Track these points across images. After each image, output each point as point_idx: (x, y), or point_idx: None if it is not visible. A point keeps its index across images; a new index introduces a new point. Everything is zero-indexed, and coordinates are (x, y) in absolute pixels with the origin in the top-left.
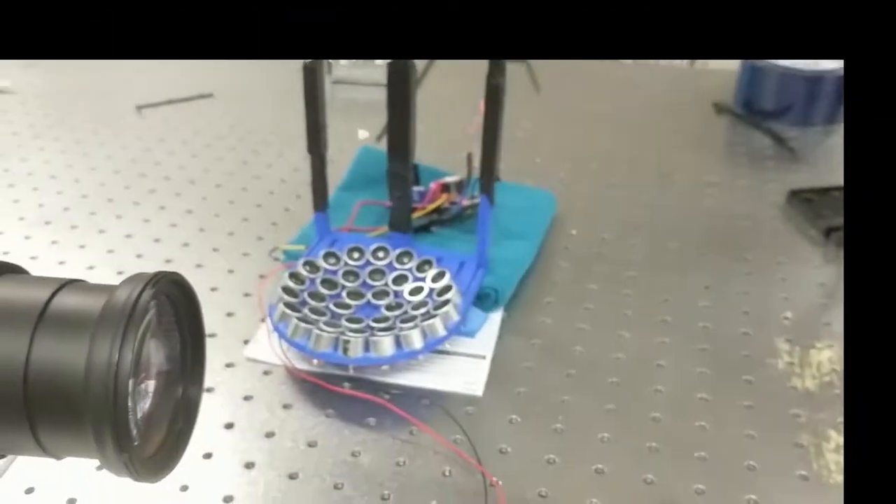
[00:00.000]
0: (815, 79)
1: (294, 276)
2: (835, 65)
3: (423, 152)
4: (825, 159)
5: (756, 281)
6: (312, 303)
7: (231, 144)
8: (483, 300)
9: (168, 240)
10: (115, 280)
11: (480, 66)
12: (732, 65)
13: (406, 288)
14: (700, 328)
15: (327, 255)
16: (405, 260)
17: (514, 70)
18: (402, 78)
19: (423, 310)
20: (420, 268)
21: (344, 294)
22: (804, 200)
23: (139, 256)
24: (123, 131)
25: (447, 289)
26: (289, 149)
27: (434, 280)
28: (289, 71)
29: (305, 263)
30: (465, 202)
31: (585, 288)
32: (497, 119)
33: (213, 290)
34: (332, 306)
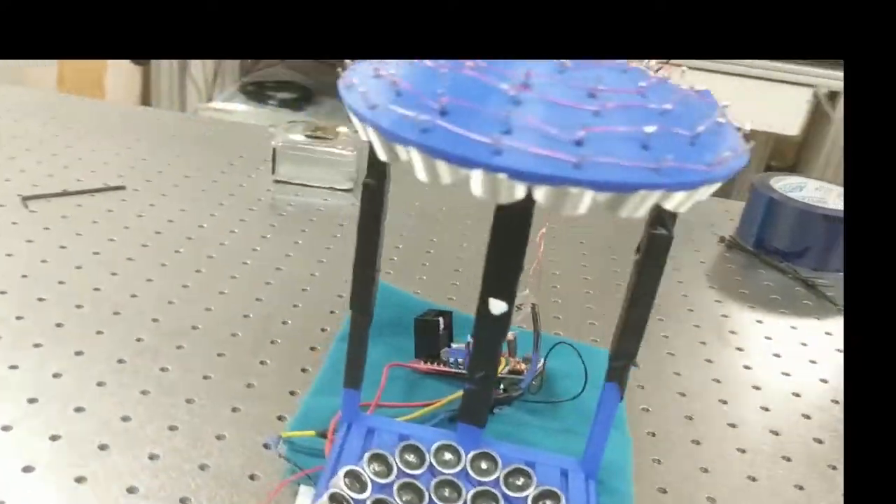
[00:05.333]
0: (836, 218)
1: (336, 499)
2: None
3: (438, 288)
4: None
5: None
6: None
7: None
8: None
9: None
10: None
11: None
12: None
13: None
14: None
15: (373, 459)
16: (484, 465)
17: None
18: (521, 218)
19: None
20: (510, 481)
21: None
22: None
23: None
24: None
25: None
26: (252, 265)
27: None
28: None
29: (347, 475)
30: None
31: (695, 483)
32: (656, 282)
33: None
34: None
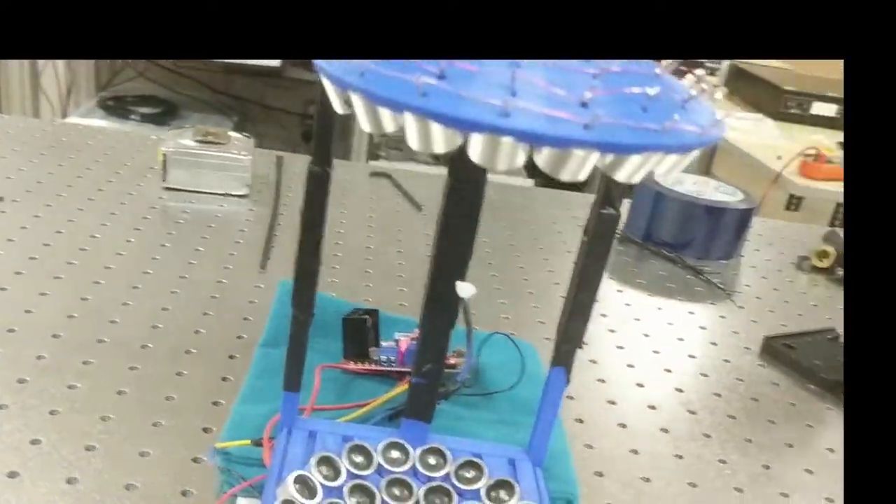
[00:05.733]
0: (716, 209)
1: None
2: (733, 198)
3: (351, 289)
4: (766, 302)
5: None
6: None
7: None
8: None
9: None
10: None
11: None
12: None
13: None
14: None
15: (320, 462)
16: (432, 461)
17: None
18: (475, 195)
19: None
20: (461, 474)
21: None
22: (785, 347)
23: None
24: None
25: None
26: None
27: (494, 495)
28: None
29: (296, 480)
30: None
31: (628, 465)
32: (603, 262)
33: None
34: None
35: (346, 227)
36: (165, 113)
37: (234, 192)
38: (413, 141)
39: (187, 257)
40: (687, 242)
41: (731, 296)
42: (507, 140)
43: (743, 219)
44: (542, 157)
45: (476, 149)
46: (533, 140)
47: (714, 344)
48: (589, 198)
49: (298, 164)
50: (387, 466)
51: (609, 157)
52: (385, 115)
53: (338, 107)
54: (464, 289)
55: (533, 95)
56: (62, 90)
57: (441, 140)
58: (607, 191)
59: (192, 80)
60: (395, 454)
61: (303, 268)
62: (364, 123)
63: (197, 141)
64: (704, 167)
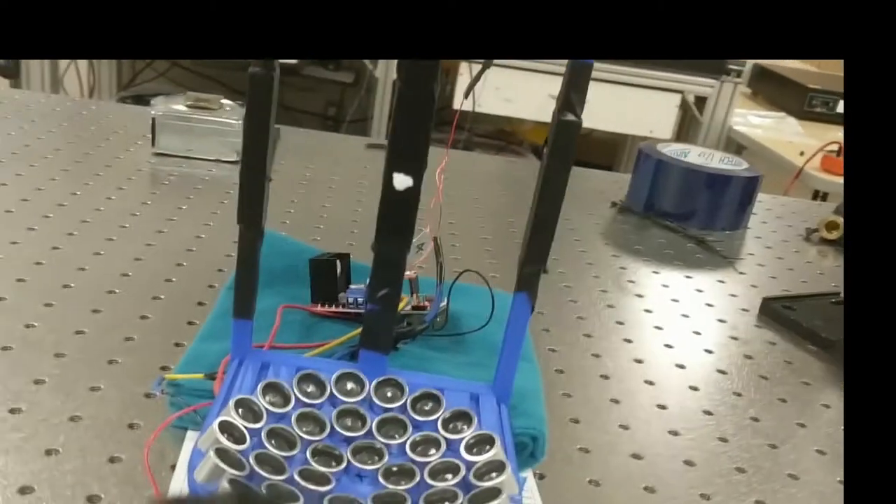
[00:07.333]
0: (720, 178)
1: (226, 428)
2: (737, 167)
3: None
4: (768, 269)
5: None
6: (271, 479)
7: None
8: (517, 453)
9: None
10: None
11: None
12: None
13: (406, 440)
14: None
15: (267, 389)
16: (389, 393)
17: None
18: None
19: (453, 480)
20: (418, 406)
21: (309, 455)
22: (784, 308)
23: None
24: None
25: (484, 442)
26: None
27: (452, 427)
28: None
29: (238, 404)
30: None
31: (606, 414)
32: (565, 174)
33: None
34: (300, 480)
35: (335, 192)
36: None
37: (224, 158)
38: None
39: (168, 214)
40: (689, 213)
41: (733, 263)
42: None
43: (747, 188)
44: None
45: None
46: None
47: (710, 305)
48: (608, 175)
49: (301, 138)
50: (340, 397)
51: None
52: None
53: None
54: (400, 181)
55: None
56: (84, 91)
57: None
58: (567, 96)
59: (213, 81)
60: (349, 385)
61: (248, 181)
62: None
63: (188, 106)
64: None
